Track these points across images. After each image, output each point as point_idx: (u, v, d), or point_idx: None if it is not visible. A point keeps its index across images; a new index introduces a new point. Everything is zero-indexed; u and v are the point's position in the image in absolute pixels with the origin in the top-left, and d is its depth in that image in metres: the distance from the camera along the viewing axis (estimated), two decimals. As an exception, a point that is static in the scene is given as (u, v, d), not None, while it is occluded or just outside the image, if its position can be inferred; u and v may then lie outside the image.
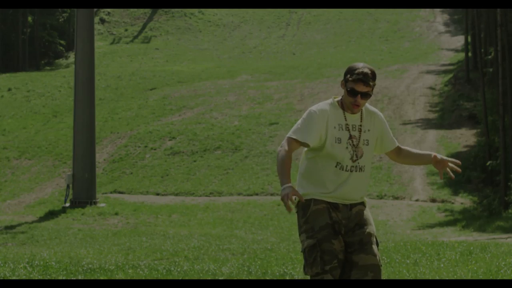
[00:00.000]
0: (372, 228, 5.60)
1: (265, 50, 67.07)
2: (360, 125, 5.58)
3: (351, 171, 5.53)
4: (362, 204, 5.66)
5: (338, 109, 5.57)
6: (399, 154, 5.82)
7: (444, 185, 30.87)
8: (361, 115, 5.61)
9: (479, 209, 27.13)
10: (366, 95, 5.49)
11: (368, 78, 5.45)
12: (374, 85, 5.51)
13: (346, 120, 5.56)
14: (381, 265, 5.55)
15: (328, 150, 5.52)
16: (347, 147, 5.52)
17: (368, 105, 5.68)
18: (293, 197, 5.39)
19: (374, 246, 5.53)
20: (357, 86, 5.47)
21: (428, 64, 53.57)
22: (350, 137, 5.53)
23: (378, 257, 5.53)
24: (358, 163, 5.54)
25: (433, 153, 5.72)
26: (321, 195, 5.55)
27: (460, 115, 39.70)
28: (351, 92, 5.49)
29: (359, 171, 5.56)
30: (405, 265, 10.08)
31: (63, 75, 57.33)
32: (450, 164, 5.68)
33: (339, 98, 5.65)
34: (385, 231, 23.36)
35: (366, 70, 5.47)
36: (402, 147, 5.85)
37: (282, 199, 5.37)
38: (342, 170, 5.52)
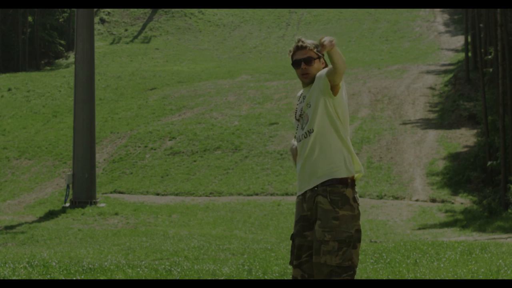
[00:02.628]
0: (320, 223, 5.46)
1: (265, 50, 67.08)
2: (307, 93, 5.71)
3: (304, 137, 5.63)
4: (324, 193, 5.50)
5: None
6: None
7: (444, 185, 30.87)
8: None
9: (479, 209, 27.13)
10: (308, 60, 5.61)
11: (302, 42, 5.64)
12: (312, 48, 5.61)
13: (302, 93, 5.77)
14: (325, 262, 5.42)
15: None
16: (298, 119, 5.71)
17: None
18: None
19: (317, 244, 5.44)
20: (296, 55, 5.65)
21: (428, 64, 53.56)
22: (301, 109, 5.71)
23: (320, 255, 5.42)
24: (307, 127, 5.62)
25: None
26: (300, 188, 5.68)
27: (460, 115, 39.69)
28: (295, 63, 5.66)
29: (308, 136, 5.61)
30: (405, 265, 10.08)
31: (63, 75, 57.33)
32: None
33: None
34: (385, 231, 23.36)
35: (297, 39, 5.68)
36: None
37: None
38: (299, 141, 5.68)
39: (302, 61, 5.62)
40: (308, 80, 5.65)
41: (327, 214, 5.47)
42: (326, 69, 5.56)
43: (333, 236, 5.43)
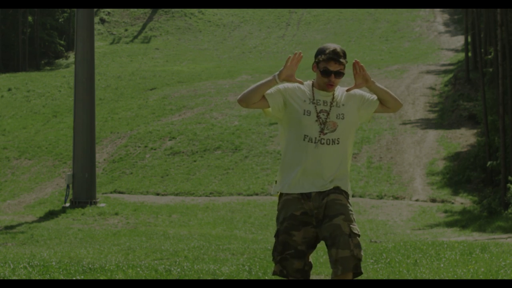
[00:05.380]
0: (344, 217, 5.45)
1: (265, 50, 67.07)
2: (332, 101, 5.66)
3: (321, 143, 5.59)
4: (339, 191, 5.57)
5: (309, 87, 5.71)
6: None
7: (444, 185, 30.87)
8: (333, 93, 5.70)
9: (479, 209, 27.13)
10: (339, 74, 5.62)
11: (339, 56, 5.59)
12: (345, 63, 5.63)
13: (315, 95, 5.66)
14: (356, 256, 5.38)
15: (297, 123, 5.62)
16: (316, 120, 5.61)
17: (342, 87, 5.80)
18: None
19: (345, 237, 5.38)
20: (330, 65, 5.60)
21: (428, 64, 53.57)
22: (321, 111, 5.62)
23: (351, 248, 5.35)
24: (332, 135, 5.59)
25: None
26: (291, 188, 5.61)
27: (460, 115, 39.69)
28: (325, 72, 5.62)
29: (333, 144, 5.60)
30: (405, 265, 10.07)
31: (63, 75, 57.33)
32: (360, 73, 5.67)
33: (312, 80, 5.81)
34: (385, 231, 23.36)
35: (337, 49, 5.61)
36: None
37: (285, 70, 5.61)
38: (311, 142, 5.60)
39: (333, 74, 5.63)
40: (332, 90, 5.68)
41: (347, 209, 5.53)
42: (374, 97, 5.70)
43: (357, 231, 5.51)
